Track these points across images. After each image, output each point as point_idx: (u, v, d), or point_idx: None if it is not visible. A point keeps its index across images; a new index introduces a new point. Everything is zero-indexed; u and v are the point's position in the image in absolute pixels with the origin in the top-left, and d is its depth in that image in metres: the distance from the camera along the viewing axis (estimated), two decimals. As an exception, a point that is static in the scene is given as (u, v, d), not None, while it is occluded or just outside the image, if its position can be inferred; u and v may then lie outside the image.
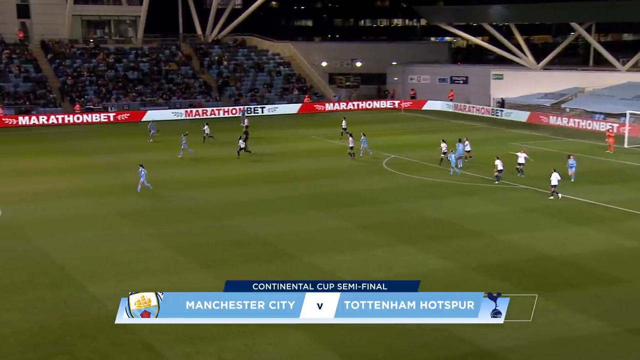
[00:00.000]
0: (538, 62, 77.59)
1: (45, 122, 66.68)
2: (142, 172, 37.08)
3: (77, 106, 69.87)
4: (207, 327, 19.67)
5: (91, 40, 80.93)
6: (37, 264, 25.54)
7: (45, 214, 33.28)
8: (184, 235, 29.65)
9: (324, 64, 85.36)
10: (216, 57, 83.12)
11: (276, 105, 76.01)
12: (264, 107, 75.23)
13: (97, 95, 72.86)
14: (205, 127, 53.77)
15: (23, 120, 66.35)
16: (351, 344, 18.74)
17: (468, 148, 45.70)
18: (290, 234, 29.68)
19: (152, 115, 68.57)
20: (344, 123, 58.14)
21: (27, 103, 69.30)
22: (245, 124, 59.21)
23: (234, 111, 73.76)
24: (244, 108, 70.69)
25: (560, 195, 35.69)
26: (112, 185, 39.93)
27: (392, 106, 79.68)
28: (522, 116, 69.06)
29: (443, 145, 45.17)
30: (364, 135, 48.68)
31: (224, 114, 72.56)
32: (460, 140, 45.67)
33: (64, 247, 27.68)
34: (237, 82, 79.71)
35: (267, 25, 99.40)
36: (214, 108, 73.28)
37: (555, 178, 35.73)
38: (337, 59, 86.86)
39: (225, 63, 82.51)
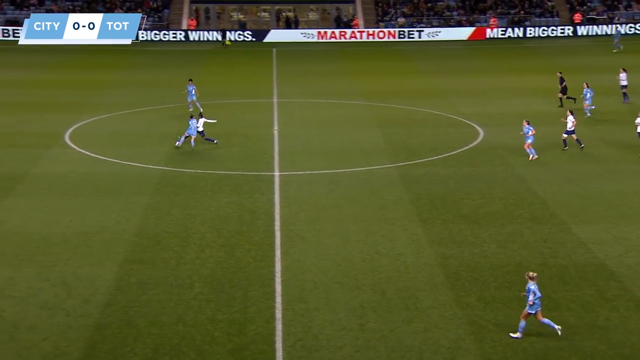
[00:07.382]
0: None
1: (539, 34, 68.97)
2: (192, 124, 32.71)
3: (577, 15, 70.12)
4: None
5: None
6: (517, 194, 26.81)
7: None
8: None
9: None
10: None
11: None
12: None
13: (602, 3, 72.11)
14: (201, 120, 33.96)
15: (513, 31, 69.38)
16: None
17: None
18: None
19: None
20: None
21: (522, 12, 71.87)
22: None
23: None
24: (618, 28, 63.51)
25: None
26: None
27: None
28: None
29: None
30: None
31: None
32: None
33: (548, 179, 28.48)
34: None
35: None
36: None
37: None
38: None
39: None
